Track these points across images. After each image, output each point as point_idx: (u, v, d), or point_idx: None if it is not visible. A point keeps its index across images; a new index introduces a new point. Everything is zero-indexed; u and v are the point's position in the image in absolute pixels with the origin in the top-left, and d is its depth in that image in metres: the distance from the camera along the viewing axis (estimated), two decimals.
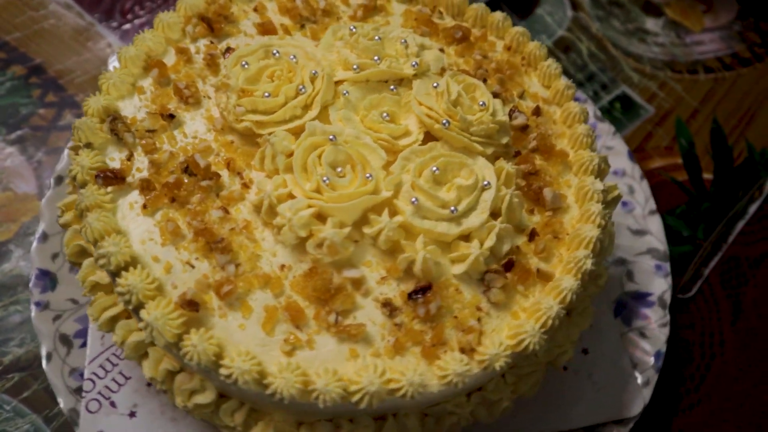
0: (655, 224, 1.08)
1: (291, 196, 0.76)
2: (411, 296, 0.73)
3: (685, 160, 1.23)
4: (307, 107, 0.83)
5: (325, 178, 0.75)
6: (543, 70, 0.95)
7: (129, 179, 0.78)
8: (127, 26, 1.27)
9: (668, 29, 1.38)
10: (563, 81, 0.94)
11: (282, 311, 0.72)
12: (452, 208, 0.76)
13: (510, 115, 0.88)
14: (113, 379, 0.85)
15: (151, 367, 0.75)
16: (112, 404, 0.83)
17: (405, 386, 0.68)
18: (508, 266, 0.77)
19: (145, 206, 0.76)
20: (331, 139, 0.78)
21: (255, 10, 0.96)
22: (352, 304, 0.73)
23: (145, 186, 0.77)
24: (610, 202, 0.92)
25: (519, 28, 0.98)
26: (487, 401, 0.78)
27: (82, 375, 0.85)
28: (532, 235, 0.80)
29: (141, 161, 0.79)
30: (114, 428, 0.82)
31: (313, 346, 0.71)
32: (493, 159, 0.83)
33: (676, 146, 1.24)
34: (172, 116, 0.82)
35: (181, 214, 0.76)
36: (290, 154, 0.77)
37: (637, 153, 1.23)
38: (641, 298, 1.03)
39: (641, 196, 1.11)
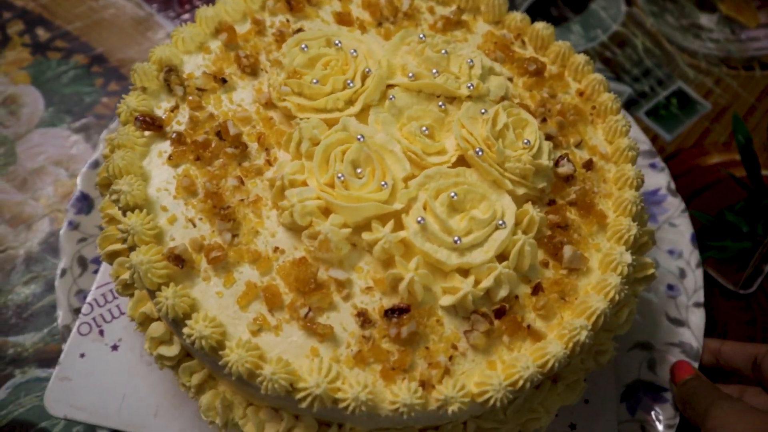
0: (697, 318, 0.99)
1: (304, 184, 0.76)
2: (387, 313, 0.71)
3: (743, 156, 1.21)
4: (350, 102, 0.83)
5: (340, 175, 0.75)
6: (611, 124, 0.90)
7: (167, 128, 0.81)
8: (186, 16, 1.31)
9: (722, 25, 1.37)
10: (627, 140, 0.88)
11: (261, 291, 0.72)
12: (456, 237, 0.73)
13: (557, 162, 0.83)
14: (109, 310, 0.89)
15: (132, 306, 0.78)
16: (101, 333, 0.88)
17: (350, 400, 0.66)
18: (499, 313, 0.73)
19: (170, 157, 0.79)
20: (359, 139, 0.77)
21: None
22: (329, 305, 0.72)
23: (177, 139, 0.80)
24: (640, 279, 0.85)
25: (598, 76, 0.93)
26: None
27: (86, 297, 0.90)
28: (537, 289, 0.76)
29: (183, 115, 0.82)
30: (95, 355, 0.86)
31: (279, 332, 0.71)
32: (523, 200, 0.80)
33: (734, 142, 1.23)
34: (224, 80, 0.85)
35: (201, 173, 0.78)
36: (317, 143, 0.78)
37: (694, 149, 1.22)
38: (656, 391, 0.94)
39: (691, 285, 1.02)
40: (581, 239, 0.81)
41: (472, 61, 0.88)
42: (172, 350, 0.75)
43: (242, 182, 0.78)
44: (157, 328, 0.76)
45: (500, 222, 0.75)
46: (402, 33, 0.90)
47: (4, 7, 1.28)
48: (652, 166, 1.12)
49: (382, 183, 0.75)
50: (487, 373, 0.70)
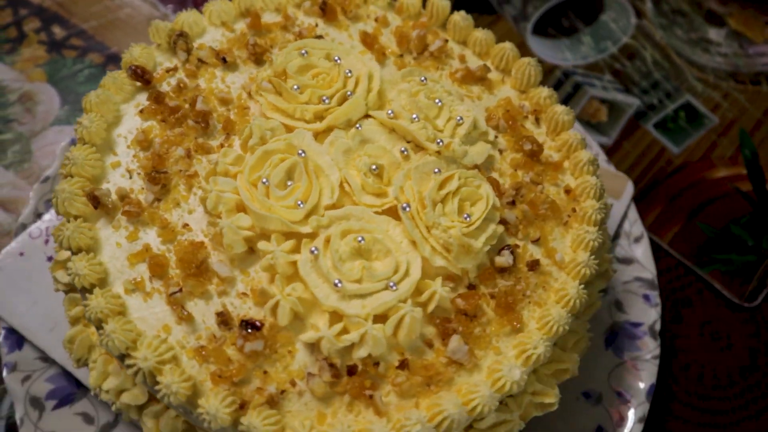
0: (642, 250, 1.04)
1: (235, 177, 0.78)
2: (241, 323, 0.71)
3: (749, 171, 1.23)
4: (318, 118, 0.83)
5: (264, 180, 0.76)
6: (581, 234, 0.82)
7: (155, 85, 0.87)
8: None
9: (731, 39, 1.37)
10: (585, 256, 0.80)
11: (149, 256, 0.75)
12: (337, 280, 0.71)
13: (500, 251, 0.78)
14: None
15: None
16: (46, 242, 0.96)
17: (164, 386, 0.67)
18: (351, 371, 0.71)
19: (142, 111, 0.85)
20: (299, 154, 0.78)
21: (376, 20, 0.97)
22: (201, 293, 0.74)
23: (155, 97, 0.85)
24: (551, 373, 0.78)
25: (593, 179, 0.85)
26: None
27: None
28: (402, 365, 0.72)
29: (175, 79, 0.88)
30: (33, 257, 0.95)
31: (147, 299, 0.74)
32: (438, 273, 0.76)
33: (740, 156, 1.24)
34: (225, 60, 0.89)
35: (160, 135, 0.83)
36: (265, 143, 0.79)
37: (701, 163, 1.24)
38: (632, 327, 0.99)
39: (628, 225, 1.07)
40: (482, 336, 0.75)
41: (461, 119, 0.85)
42: (64, 277, 0.80)
43: (189, 155, 0.82)
44: (62, 255, 0.81)
45: (392, 284, 0.72)
46: (408, 70, 0.88)
47: (20, 4, 1.29)
48: (646, 298, 1.01)
49: (299, 203, 0.75)
50: (309, 424, 0.68)
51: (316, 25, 0.95)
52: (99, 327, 0.71)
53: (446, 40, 0.97)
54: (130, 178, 0.81)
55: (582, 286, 0.79)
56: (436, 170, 0.79)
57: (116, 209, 0.78)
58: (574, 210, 0.85)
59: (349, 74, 0.85)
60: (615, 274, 1.03)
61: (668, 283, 1.11)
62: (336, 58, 0.87)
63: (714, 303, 1.10)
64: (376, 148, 0.82)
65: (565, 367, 0.82)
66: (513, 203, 0.83)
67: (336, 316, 0.72)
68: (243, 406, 0.68)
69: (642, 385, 0.95)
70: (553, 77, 1.33)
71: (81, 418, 0.86)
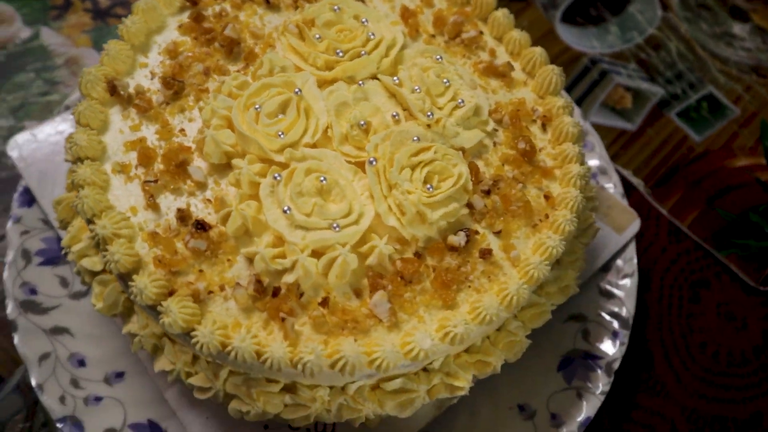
0: (627, 288, 1.03)
1: (235, 98, 0.85)
2: (196, 222, 0.77)
3: None
4: (327, 67, 0.88)
5: (257, 106, 0.82)
6: (543, 239, 0.82)
7: (201, 7, 0.95)
8: None
9: (754, 35, 1.41)
10: (538, 259, 0.80)
11: (140, 146, 0.83)
12: (287, 207, 0.76)
13: (460, 232, 0.80)
14: None
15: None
16: None
17: (110, 254, 0.75)
18: (275, 291, 0.75)
19: (180, 26, 0.93)
20: (296, 92, 0.83)
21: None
22: (173, 190, 0.81)
23: (195, 16, 0.93)
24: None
25: (576, 193, 0.85)
26: None
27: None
28: (324, 303, 0.75)
29: (219, 6, 0.95)
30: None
31: (127, 183, 0.82)
32: (387, 231, 0.79)
33: (760, 147, 1.27)
34: (268, 1, 0.96)
35: (189, 48, 0.91)
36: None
37: (722, 151, 1.26)
38: (591, 359, 0.98)
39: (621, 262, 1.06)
40: (411, 302, 0.78)
41: (462, 101, 0.87)
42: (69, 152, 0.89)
43: (206, 73, 0.89)
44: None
45: (335, 225, 0.76)
46: (427, 47, 0.92)
47: None
48: (614, 334, 0.99)
49: (280, 133, 0.81)
50: (221, 325, 0.73)
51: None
52: (78, 191, 0.80)
53: (481, 32, 0.99)
54: (152, 79, 0.89)
55: (526, 286, 0.79)
56: (416, 138, 0.82)
57: (130, 101, 0.87)
58: (546, 216, 0.85)
59: (372, 36, 0.90)
60: (591, 305, 1.01)
61: (687, 264, 1.16)
62: (364, 20, 0.92)
63: (731, 286, 1.14)
64: (370, 106, 0.86)
65: (489, 360, 0.82)
66: (488, 192, 0.84)
67: (279, 241, 0.77)
68: (171, 293, 0.75)
69: (579, 417, 0.93)
70: (580, 64, 1.37)
71: (58, 280, 0.97)
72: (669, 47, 1.38)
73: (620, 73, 1.35)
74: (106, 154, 0.84)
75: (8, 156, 1.02)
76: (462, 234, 0.81)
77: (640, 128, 1.29)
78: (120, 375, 0.91)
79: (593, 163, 1.13)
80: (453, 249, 0.80)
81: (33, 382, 0.87)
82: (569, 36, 1.41)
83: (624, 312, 1.01)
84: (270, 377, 0.76)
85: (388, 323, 0.76)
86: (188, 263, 0.77)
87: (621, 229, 1.07)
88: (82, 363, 0.91)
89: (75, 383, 0.89)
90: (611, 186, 1.11)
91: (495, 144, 0.90)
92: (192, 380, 0.79)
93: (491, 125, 0.90)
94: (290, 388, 0.78)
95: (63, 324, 0.93)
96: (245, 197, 0.78)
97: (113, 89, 0.86)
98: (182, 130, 0.85)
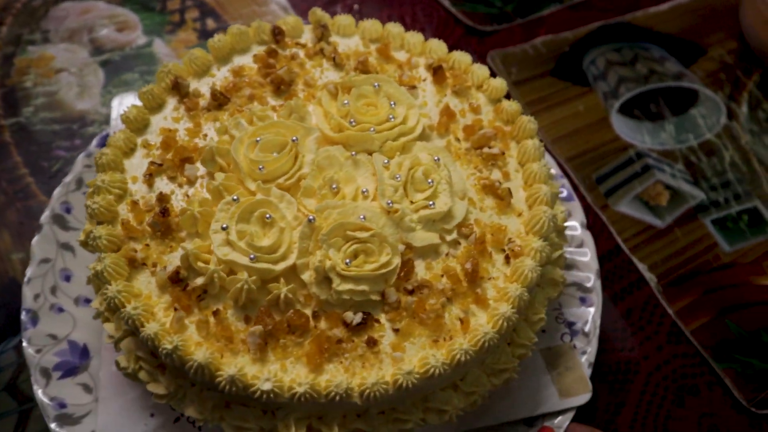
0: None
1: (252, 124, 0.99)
2: (164, 208, 0.93)
3: None
4: (337, 130, 0.99)
5: (258, 138, 0.95)
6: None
7: (278, 46, 1.11)
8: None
9: None
10: (413, 377, 0.82)
11: (166, 135, 1.01)
12: (224, 225, 0.88)
13: (359, 312, 0.86)
14: None
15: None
16: None
17: (91, 204, 0.93)
18: (258, 319, 0.87)
19: (255, 55, 1.10)
20: (293, 139, 0.95)
21: (470, 105, 1.07)
22: (171, 178, 0.98)
23: (268, 52, 1.09)
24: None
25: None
26: None
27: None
28: (315, 319, 0.86)
29: (294, 50, 1.11)
30: None
31: (142, 159, 1.00)
32: (306, 295, 0.88)
33: None
34: (334, 59, 1.10)
35: (249, 75, 1.08)
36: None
37: (751, 266, 1.25)
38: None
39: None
40: (282, 347, 0.85)
41: (434, 204, 0.93)
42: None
43: (251, 98, 1.05)
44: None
45: (252, 256, 0.86)
46: (431, 145, 0.98)
47: None
48: None
49: (260, 167, 0.93)
50: (125, 287, 0.87)
51: (423, 79, 1.10)
52: (108, 146, 1.00)
53: (503, 153, 1.03)
54: (210, 88, 1.07)
55: (385, 386, 0.81)
56: (362, 216, 0.89)
57: (183, 99, 1.06)
58: (450, 337, 0.87)
59: (391, 119, 0.99)
60: None
61: (681, 367, 1.15)
62: (392, 103, 1.01)
63: (721, 399, 1.12)
64: (349, 175, 0.95)
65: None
66: (410, 292, 0.88)
67: (209, 249, 0.89)
68: (116, 250, 0.91)
69: None
70: (625, 154, 1.39)
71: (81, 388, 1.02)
72: (723, 155, 1.38)
73: (664, 170, 1.36)
74: (147, 129, 1.03)
75: (110, 107, 1.29)
76: (360, 315, 0.86)
77: (668, 227, 1.29)
78: None
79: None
80: (345, 323, 0.86)
81: None
82: (622, 127, 1.42)
83: None
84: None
85: (254, 356, 0.84)
86: (142, 235, 0.92)
87: (566, 394, 1.02)
88: None
89: None
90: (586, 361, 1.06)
91: (448, 254, 0.93)
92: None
93: (453, 236, 0.93)
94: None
95: None
96: (206, 203, 0.92)
97: (176, 84, 1.06)
98: (205, 135, 1.02)
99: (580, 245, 1.18)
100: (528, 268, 0.91)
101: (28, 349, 1.02)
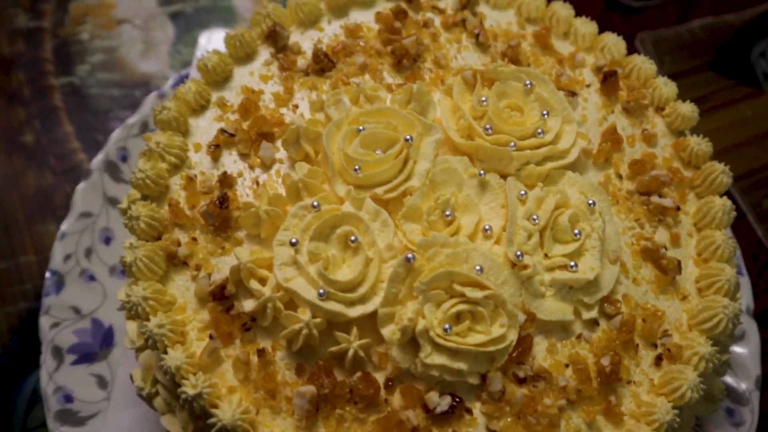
0: None
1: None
2: (223, 196, 0.72)
3: None
4: (475, 136, 0.74)
5: (361, 128, 0.72)
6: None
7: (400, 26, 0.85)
8: None
9: None
10: None
11: (245, 100, 0.79)
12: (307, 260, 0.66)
13: (446, 396, 0.63)
14: None
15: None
16: None
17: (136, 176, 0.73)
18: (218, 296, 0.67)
19: (379, 12, 0.86)
20: (406, 139, 0.71)
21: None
22: (241, 156, 0.76)
23: (388, 26, 0.84)
24: None
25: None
26: None
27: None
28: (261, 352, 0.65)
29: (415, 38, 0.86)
30: None
31: (204, 151, 0.79)
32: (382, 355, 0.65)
33: None
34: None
35: (366, 39, 0.84)
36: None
37: None
38: None
39: None
40: (336, 418, 0.63)
41: (575, 266, 0.67)
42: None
43: (363, 69, 0.81)
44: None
45: (321, 291, 0.64)
46: (587, 182, 0.72)
47: None
48: None
49: (356, 167, 0.70)
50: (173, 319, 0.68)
51: (588, 85, 0.83)
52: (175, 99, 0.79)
53: (678, 208, 0.75)
54: (314, 45, 0.84)
55: None
56: (478, 268, 0.65)
57: (279, 52, 0.83)
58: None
59: (539, 135, 0.73)
60: None
61: None
62: (545, 112, 0.75)
63: None
64: (471, 203, 0.70)
65: None
66: (521, 381, 0.65)
67: (270, 264, 0.68)
68: (156, 238, 0.71)
69: None
70: None
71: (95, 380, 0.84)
72: None
73: None
74: (227, 83, 0.81)
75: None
76: (447, 400, 0.63)
77: None
78: None
79: None
80: (426, 407, 0.63)
81: None
82: None
83: None
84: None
85: (298, 422, 0.63)
86: (192, 224, 0.72)
87: None
88: None
89: None
90: None
91: (581, 337, 0.68)
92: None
93: (593, 313, 0.68)
94: None
95: None
96: (278, 201, 0.70)
97: (272, 33, 0.83)
98: (296, 106, 0.79)
99: (740, 337, 0.90)
100: (687, 384, 0.65)
101: (44, 321, 0.85)
